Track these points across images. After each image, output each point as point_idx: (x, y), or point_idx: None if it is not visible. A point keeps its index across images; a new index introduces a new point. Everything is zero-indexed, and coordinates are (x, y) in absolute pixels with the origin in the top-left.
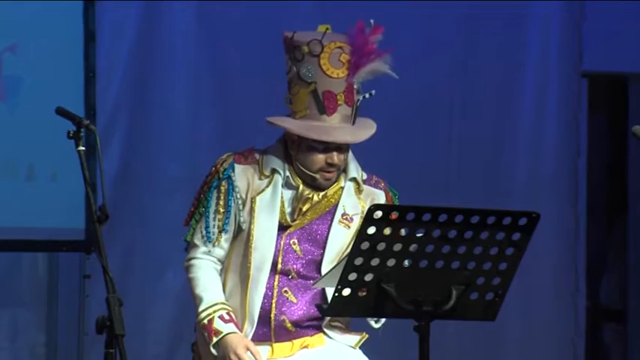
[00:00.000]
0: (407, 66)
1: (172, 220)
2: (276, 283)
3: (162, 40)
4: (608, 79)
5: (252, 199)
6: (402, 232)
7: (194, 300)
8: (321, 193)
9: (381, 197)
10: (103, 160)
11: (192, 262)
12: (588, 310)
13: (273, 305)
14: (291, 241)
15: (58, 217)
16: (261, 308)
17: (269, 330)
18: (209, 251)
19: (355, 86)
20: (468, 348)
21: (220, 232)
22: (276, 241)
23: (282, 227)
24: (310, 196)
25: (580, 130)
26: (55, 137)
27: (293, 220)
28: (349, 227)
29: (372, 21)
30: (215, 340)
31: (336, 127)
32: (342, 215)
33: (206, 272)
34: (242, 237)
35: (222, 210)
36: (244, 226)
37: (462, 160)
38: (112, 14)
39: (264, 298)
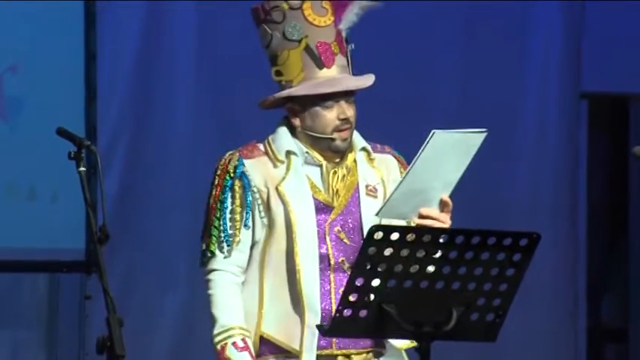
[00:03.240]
0: (404, 80)
1: (173, 241)
2: (332, 281)
3: (163, 60)
4: (609, 100)
5: (276, 189)
6: (403, 252)
7: (210, 319)
8: (344, 166)
9: (392, 162)
10: (104, 180)
11: (211, 275)
12: (589, 329)
13: (334, 307)
14: (336, 229)
15: (59, 238)
16: (323, 308)
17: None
18: (229, 258)
19: (343, 34)
20: None
21: (239, 229)
22: (321, 232)
23: (323, 212)
24: (336, 170)
25: (580, 150)
26: (56, 158)
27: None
28: (376, 197)
29: None
30: None
31: (339, 77)
32: (366, 187)
33: (225, 289)
34: (277, 232)
35: (239, 209)
36: (265, 223)
37: (461, 178)
38: (113, 34)
39: (322, 296)
